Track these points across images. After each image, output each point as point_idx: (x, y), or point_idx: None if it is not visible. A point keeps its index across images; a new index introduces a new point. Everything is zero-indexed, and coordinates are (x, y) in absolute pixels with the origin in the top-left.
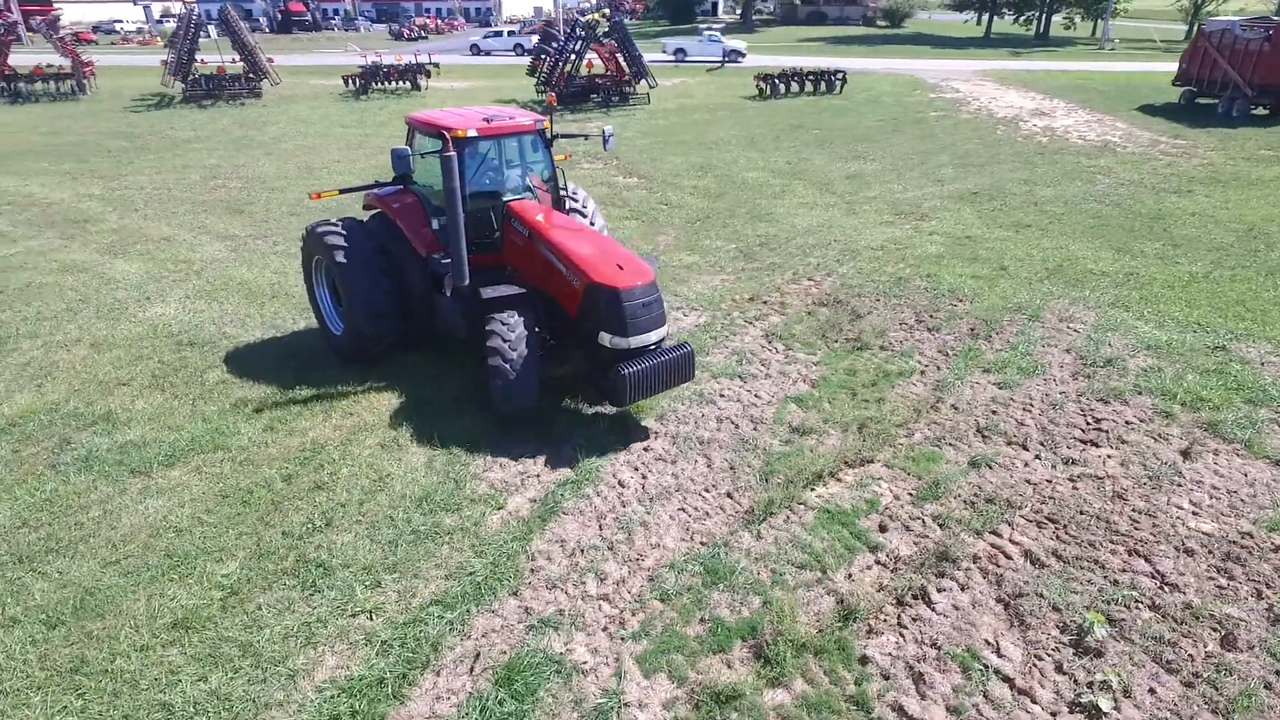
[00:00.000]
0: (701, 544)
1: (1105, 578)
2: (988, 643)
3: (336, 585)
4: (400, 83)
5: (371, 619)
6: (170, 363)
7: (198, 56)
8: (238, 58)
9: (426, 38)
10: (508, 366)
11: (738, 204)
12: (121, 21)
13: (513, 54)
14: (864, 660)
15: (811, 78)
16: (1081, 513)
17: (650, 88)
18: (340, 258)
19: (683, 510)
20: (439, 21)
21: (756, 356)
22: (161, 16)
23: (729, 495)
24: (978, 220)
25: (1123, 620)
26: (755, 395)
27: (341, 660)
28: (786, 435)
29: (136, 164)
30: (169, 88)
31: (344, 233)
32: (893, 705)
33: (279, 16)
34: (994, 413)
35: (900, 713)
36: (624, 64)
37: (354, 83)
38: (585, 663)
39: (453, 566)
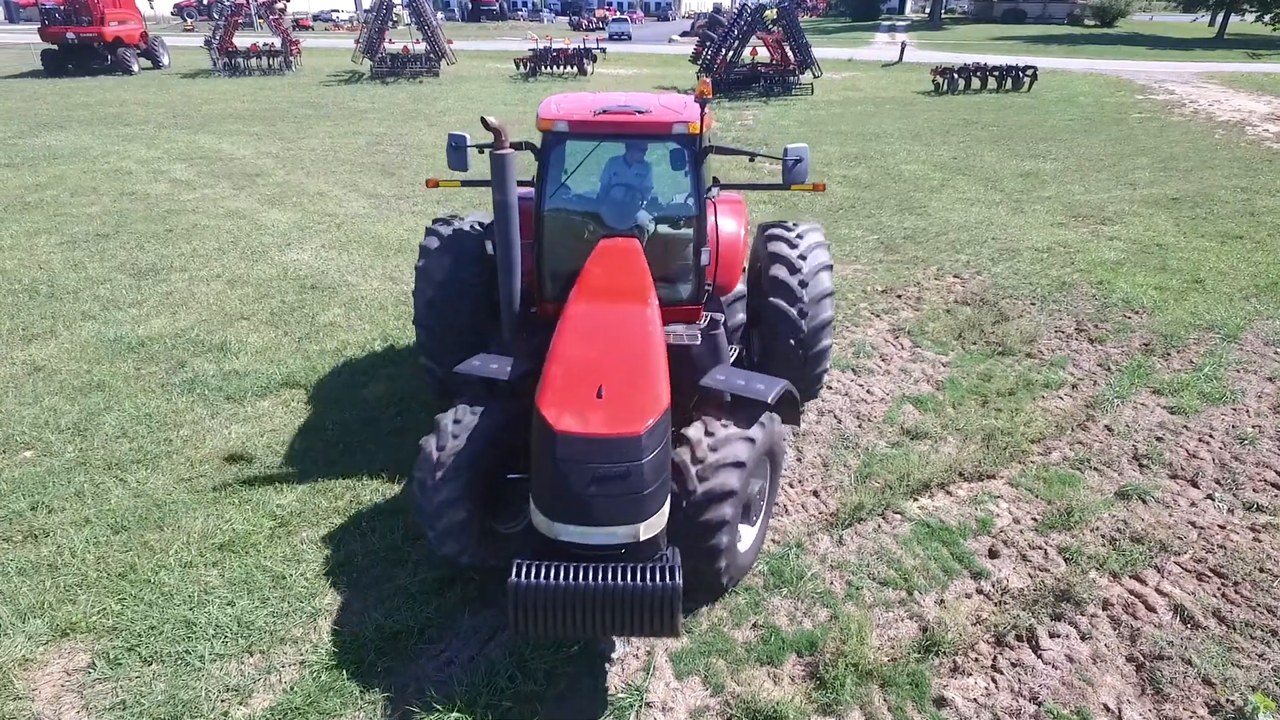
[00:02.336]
0: (774, 542)
1: None
2: (1106, 708)
3: (380, 530)
4: (568, 67)
5: (413, 573)
6: (290, 303)
7: (387, 37)
8: (421, 39)
9: (603, 28)
10: (422, 492)
11: (888, 195)
12: (337, 11)
13: (669, 45)
14: (940, 702)
15: (995, 73)
16: (1261, 570)
17: (815, 77)
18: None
19: None
20: (618, 14)
21: (877, 351)
22: (370, 7)
23: (815, 494)
24: (1173, 228)
25: None
26: (868, 391)
27: (367, 606)
28: (896, 437)
29: (314, 129)
30: (359, 65)
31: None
32: None
33: (469, 5)
34: (1159, 439)
35: None
36: (789, 53)
37: (524, 65)
38: (614, 653)
39: None
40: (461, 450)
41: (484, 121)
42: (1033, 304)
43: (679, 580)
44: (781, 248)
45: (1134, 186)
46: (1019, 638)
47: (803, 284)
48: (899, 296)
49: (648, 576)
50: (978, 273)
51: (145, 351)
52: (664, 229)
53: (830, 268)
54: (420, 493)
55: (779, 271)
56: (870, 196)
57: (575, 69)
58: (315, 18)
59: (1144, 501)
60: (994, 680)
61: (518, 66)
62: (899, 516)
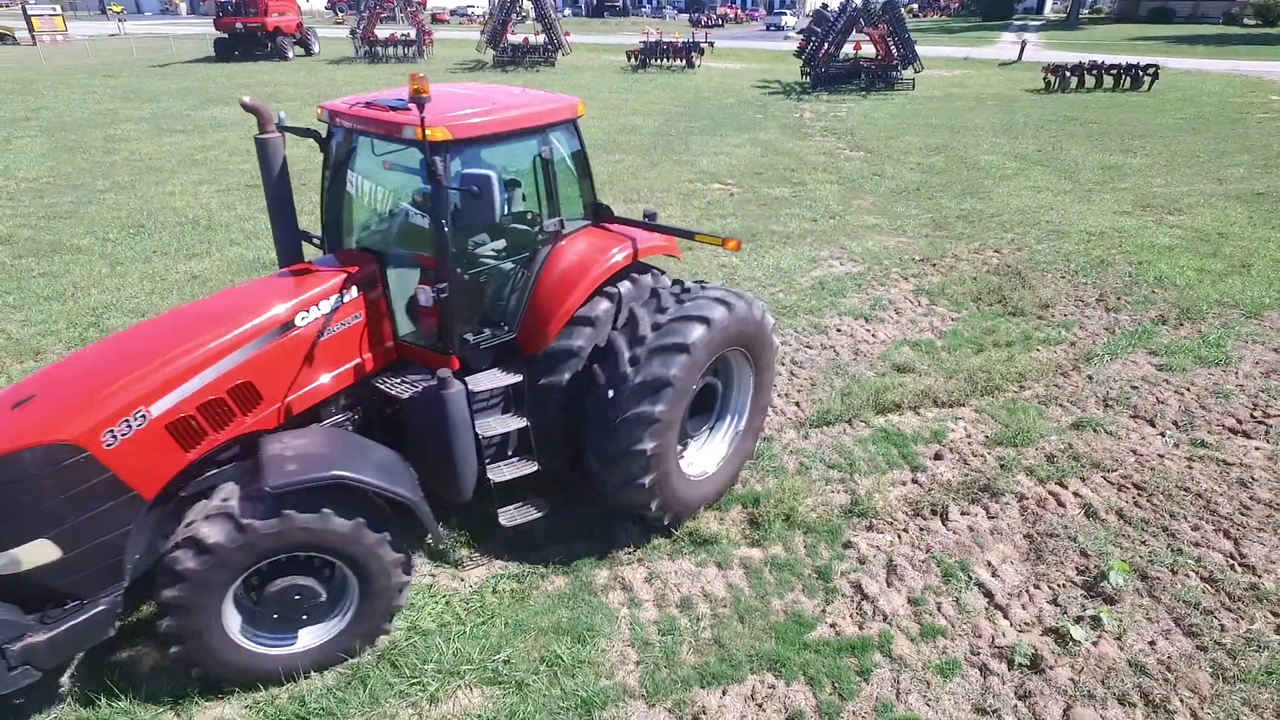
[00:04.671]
0: None
1: (1167, 545)
2: (988, 564)
3: None
4: (676, 60)
5: None
6: None
7: (510, 29)
8: (541, 31)
9: (723, 25)
10: None
11: (955, 181)
12: (472, 6)
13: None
14: (847, 545)
15: (1113, 72)
16: (1182, 489)
17: (916, 73)
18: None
19: None
20: (740, 12)
21: (893, 305)
22: (497, 1)
23: (796, 404)
24: (1244, 219)
25: (1157, 579)
26: (872, 335)
27: None
28: (885, 370)
29: None
30: (483, 53)
31: None
32: (853, 583)
33: (595, 1)
34: (1134, 388)
35: (857, 589)
36: (893, 48)
37: (635, 57)
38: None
39: None
40: None
41: (242, 103)
42: (1062, 277)
43: None
44: (638, 309)
45: (1221, 182)
46: (933, 512)
47: (634, 361)
48: (933, 265)
49: None
50: (1018, 249)
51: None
52: (401, 254)
53: (685, 350)
54: None
55: (616, 336)
56: (938, 182)
57: (683, 62)
58: (452, 13)
59: (1095, 431)
60: (899, 537)
61: (628, 58)
62: (864, 425)
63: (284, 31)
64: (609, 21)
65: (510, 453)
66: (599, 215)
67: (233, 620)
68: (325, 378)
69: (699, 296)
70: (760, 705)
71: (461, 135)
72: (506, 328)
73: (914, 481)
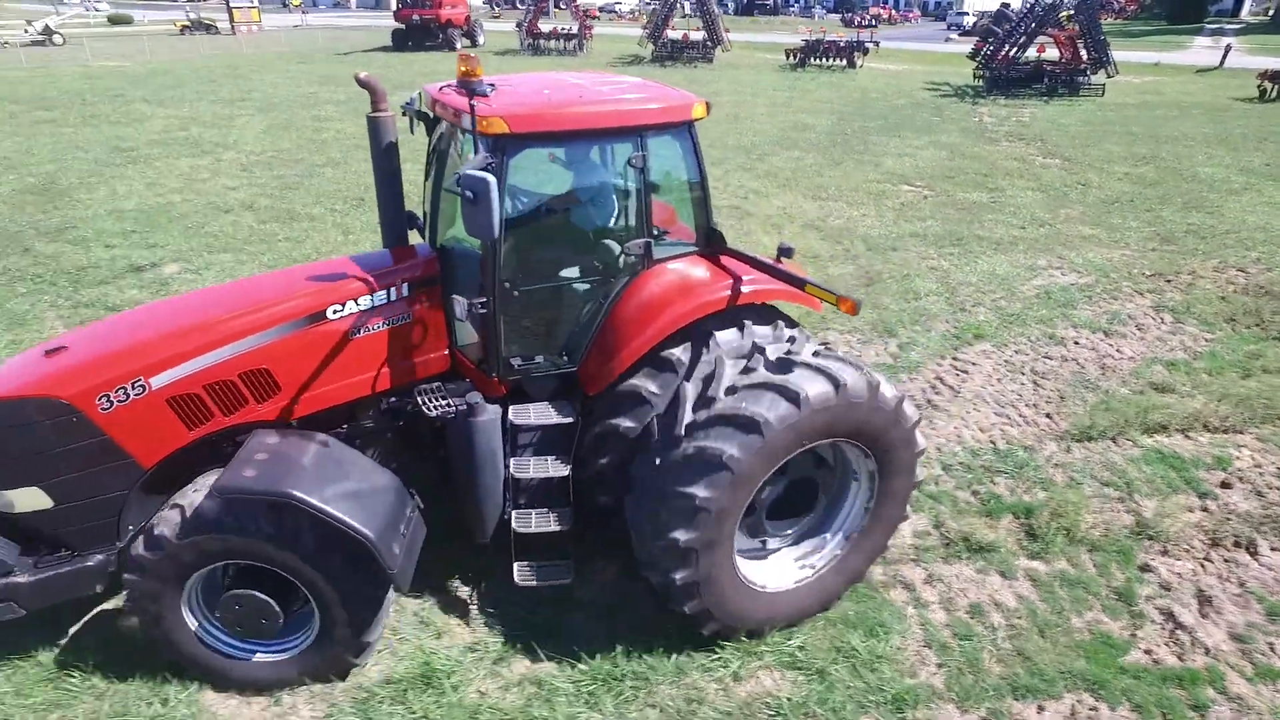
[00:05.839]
0: (1005, 444)
1: None
2: None
3: None
4: (836, 60)
5: None
6: None
7: (671, 24)
8: (701, 27)
9: (876, 25)
10: None
11: (1174, 194)
12: (620, 3)
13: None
14: (1145, 568)
15: None
16: None
17: (1109, 77)
18: None
19: (995, 414)
20: (894, 13)
21: (1133, 320)
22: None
23: (1048, 416)
24: None
25: None
26: (1117, 350)
27: None
28: (1140, 387)
29: None
30: (643, 48)
31: None
32: (1162, 610)
33: (744, 1)
34: None
35: (1169, 617)
36: (1082, 51)
37: (794, 56)
38: None
39: None
40: None
41: (357, 79)
42: None
43: None
44: (725, 363)
45: None
46: (1237, 544)
47: (693, 427)
48: (1168, 281)
49: None
50: (1268, 269)
51: None
52: (468, 254)
53: (754, 429)
54: None
55: (685, 390)
56: (1152, 194)
57: (844, 62)
58: (600, 9)
59: None
60: (1201, 566)
61: (788, 57)
62: (1130, 443)
63: (454, 24)
64: (758, 20)
65: (544, 502)
66: (710, 243)
67: (190, 618)
68: (357, 378)
69: (799, 363)
70: None
71: (522, 129)
72: (566, 358)
73: (1204, 509)
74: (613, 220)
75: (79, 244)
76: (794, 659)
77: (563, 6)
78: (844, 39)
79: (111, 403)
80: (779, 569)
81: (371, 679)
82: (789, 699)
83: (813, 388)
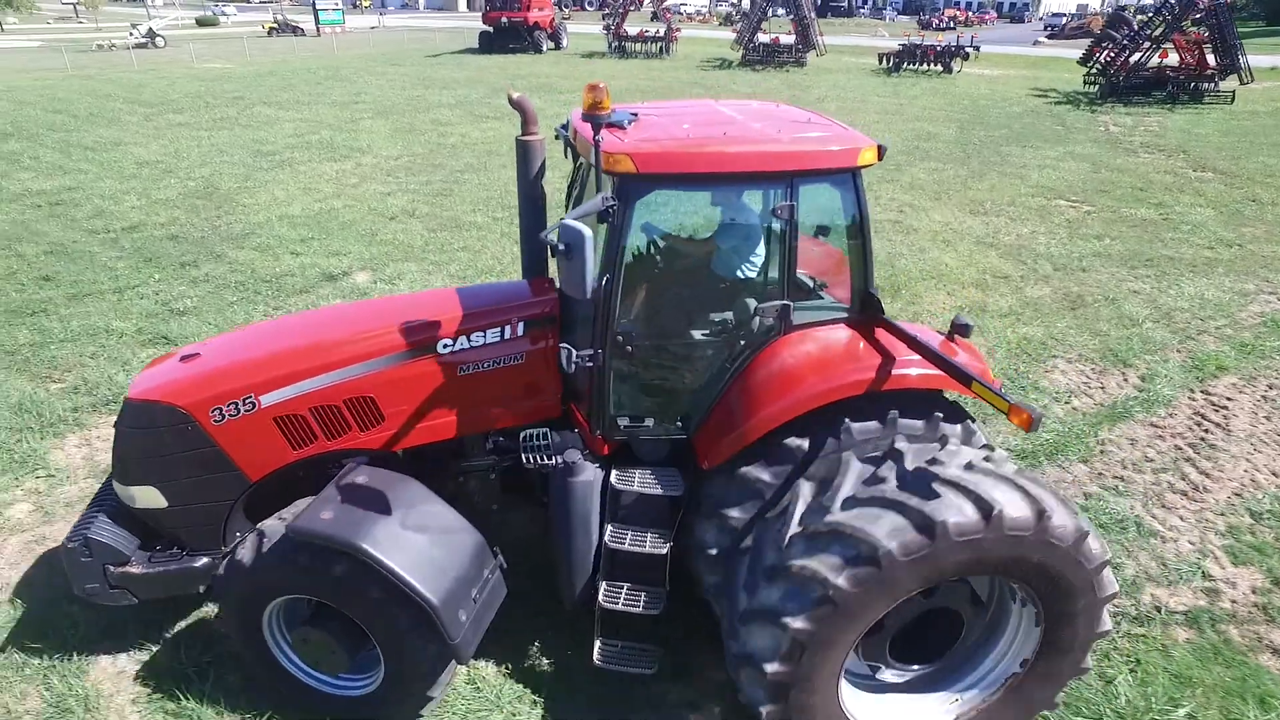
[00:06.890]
0: None
1: None
2: None
3: None
4: (933, 65)
5: None
6: None
7: (763, 28)
8: (792, 31)
9: (953, 28)
10: None
11: None
12: (686, 4)
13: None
14: None
15: None
16: None
17: (1243, 83)
18: None
19: None
20: (969, 14)
21: None
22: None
23: None
24: None
25: None
26: None
27: None
28: None
29: None
30: (734, 51)
31: None
32: None
33: (818, 2)
34: None
35: None
36: (1209, 57)
37: (888, 60)
38: (1161, 532)
39: None
40: None
41: (510, 99)
42: None
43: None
44: (853, 463)
45: None
46: None
47: (798, 539)
48: None
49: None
50: None
51: None
52: None
53: (868, 559)
54: None
55: (801, 489)
56: None
57: (940, 67)
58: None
59: None
60: None
61: (881, 61)
62: None
63: (540, 26)
64: (832, 22)
65: (637, 578)
66: (866, 309)
67: (270, 639)
68: (463, 415)
69: (943, 479)
70: None
71: (650, 169)
72: (680, 425)
73: None
74: (752, 274)
75: (265, 250)
76: None
77: (644, 8)
78: (941, 43)
79: (224, 416)
80: (896, 713)
81: None
82: None
83: (952, 514)
